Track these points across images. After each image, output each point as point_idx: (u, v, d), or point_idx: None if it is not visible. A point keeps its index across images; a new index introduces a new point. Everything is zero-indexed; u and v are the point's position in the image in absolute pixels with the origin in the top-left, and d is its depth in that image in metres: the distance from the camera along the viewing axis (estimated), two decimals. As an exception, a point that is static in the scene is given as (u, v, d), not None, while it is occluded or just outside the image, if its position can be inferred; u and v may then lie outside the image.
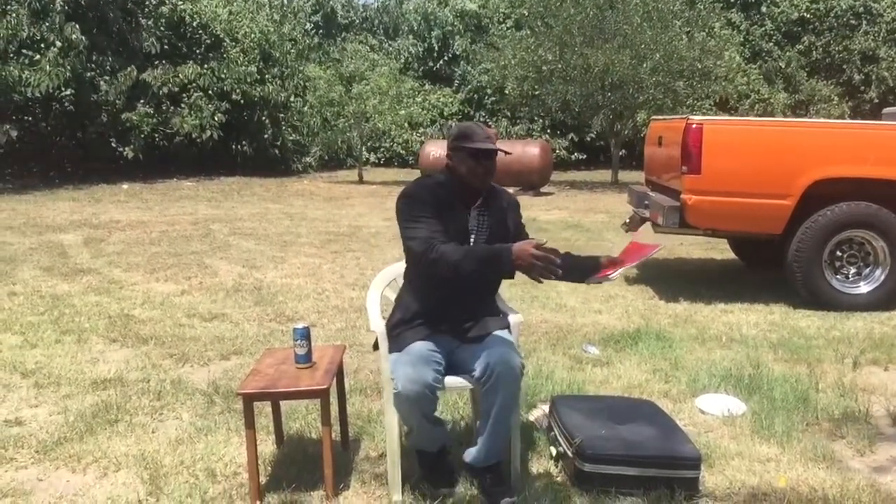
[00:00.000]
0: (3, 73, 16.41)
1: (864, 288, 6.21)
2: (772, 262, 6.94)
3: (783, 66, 24.89)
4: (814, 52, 25.07)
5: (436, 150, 16.58)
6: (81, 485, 3.20)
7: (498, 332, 3.03)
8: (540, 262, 2.62)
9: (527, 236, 3.08)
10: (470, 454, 3.04)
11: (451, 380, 2.96)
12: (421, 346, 2.90)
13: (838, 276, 6.22)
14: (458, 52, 27.78)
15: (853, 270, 6.24)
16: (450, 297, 3.01)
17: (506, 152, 3.09)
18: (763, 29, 25.56)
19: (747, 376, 4.42)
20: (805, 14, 25.07)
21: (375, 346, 3.13)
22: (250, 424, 2.99)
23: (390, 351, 3.00)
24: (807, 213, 6.08)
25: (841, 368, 4.66)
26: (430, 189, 3.00)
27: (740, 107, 23.69)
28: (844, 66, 24.86)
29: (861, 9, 24.88)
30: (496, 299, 3.26)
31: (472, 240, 3.00)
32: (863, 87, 24.95)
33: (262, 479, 3.16)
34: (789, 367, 4.69)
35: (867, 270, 6.22)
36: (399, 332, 3.00)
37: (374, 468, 3.30)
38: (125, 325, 5.70)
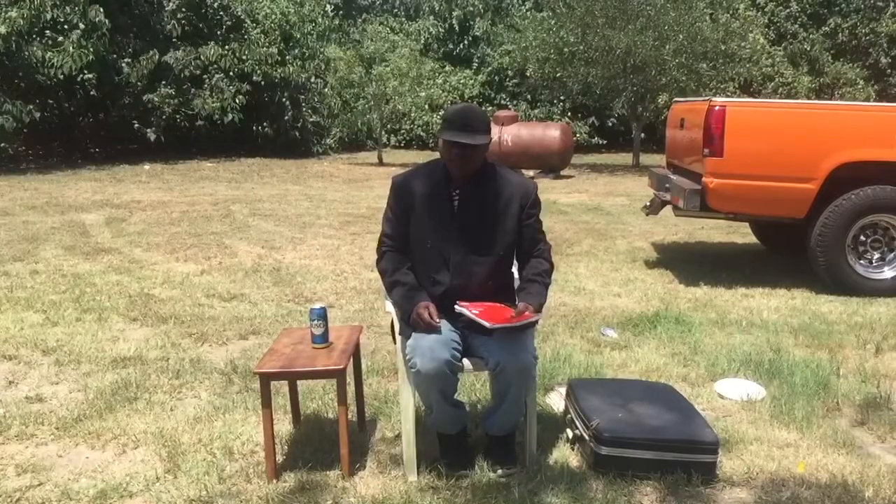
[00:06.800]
0: (27, 54, 16.46)
1: (887, 273, 6.12)
2: (794, 247, 6.85)
3: (808, 49, 24.45)
4: (840, 34, 24.57)
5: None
6: (100, 461, 3.24)
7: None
8: (422, 323, 2.86)
9: (534, 235, 3.07)
10: (486, 418, 3.13)
11: (468, 362, 2.96)
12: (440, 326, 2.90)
13: (862, 261, 6.14)
14: (478, 34, 27.58)
15: (877, 255, 6.15)
16: (447, 294, 3.00)
17: (473, 146, 2.88)
18: (788, 10, 25.08)
19: (767, 361, 4.39)
20: (831, -5, 24.66)
21: (394, 338, 3.12)
22: (267, 404, 3.01)
23: (406, 332, 2.98)
24: (830, 197, 5.99)
25: (863, 354, 4.61)
26: (421, 176, 3.06)
27: (764, 89, 23.35)
28: (871, 49, 24.37)
29: (888, -10, 24.40)
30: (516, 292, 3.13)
31: (456, 221, 2.99)
32: (889, 71, 24.46)
33: (279, 458, 3.18)
34: (810, 352, 4.64)
35: (891, 255, 6.14)
36: None
37: (389, 448, 3.31)
38: (145, 304, 5.74)
